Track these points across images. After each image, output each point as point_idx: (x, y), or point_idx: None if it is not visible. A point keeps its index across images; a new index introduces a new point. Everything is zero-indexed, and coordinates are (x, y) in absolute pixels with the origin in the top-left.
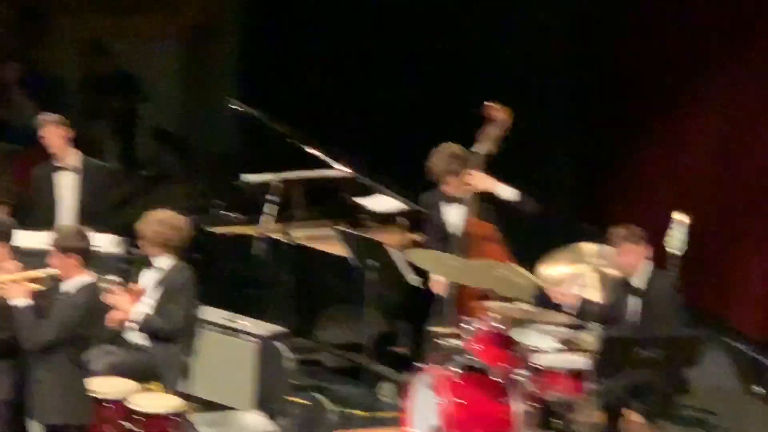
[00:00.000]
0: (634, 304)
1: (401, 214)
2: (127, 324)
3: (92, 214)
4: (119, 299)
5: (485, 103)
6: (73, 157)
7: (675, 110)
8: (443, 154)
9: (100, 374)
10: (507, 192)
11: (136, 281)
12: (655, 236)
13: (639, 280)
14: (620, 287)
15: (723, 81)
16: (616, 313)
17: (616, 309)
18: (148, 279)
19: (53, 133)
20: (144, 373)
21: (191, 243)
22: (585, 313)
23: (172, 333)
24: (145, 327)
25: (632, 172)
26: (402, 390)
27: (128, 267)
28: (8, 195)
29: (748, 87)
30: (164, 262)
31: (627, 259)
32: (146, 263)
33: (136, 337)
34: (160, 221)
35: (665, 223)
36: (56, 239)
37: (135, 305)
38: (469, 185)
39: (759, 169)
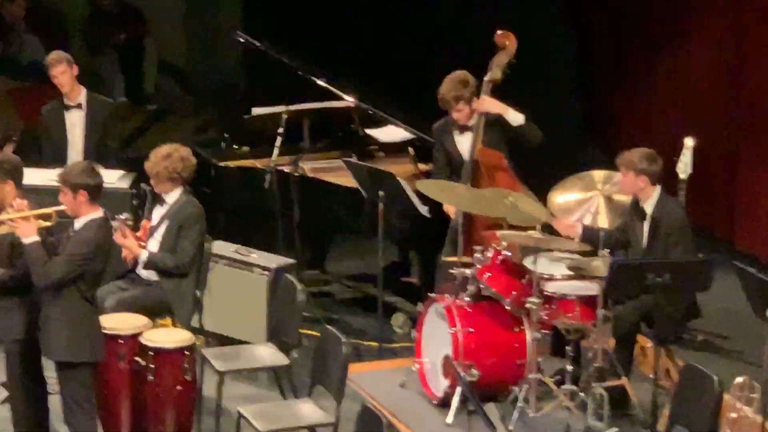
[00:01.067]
0: (644, 229)
1: (410, 144)
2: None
3: (100, 150)
4: (127, 241)
5: (497, 30)
6: (81, 95)
7: (680, 32)
8: (453, 80)
9: (112, 310)
10: (515, 117)
11: (145, 217)
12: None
13: (649, 206)
14: (631, 212)
15: (728, 0)
16: (626, 238)
17: (628, 234)
18: (158, 215)
19: (64, 72)
20: (156, 309)
21: (200, 176)
22: (590, 239)
23: (181, 268)
24: (152, 265)
25: (637, 96)
26: (414, 320)
27: (138, 203)
28: (15, 131)
29: (753, 4)
30: (173, 196)
31: (638, 184)
32: (158, 200)
33: (148, 273)
34: (166, 155)
35: (671, 147)
36: (65, 176)
37: (144, 243)
38: (479, 110)
39: (766, 90)
